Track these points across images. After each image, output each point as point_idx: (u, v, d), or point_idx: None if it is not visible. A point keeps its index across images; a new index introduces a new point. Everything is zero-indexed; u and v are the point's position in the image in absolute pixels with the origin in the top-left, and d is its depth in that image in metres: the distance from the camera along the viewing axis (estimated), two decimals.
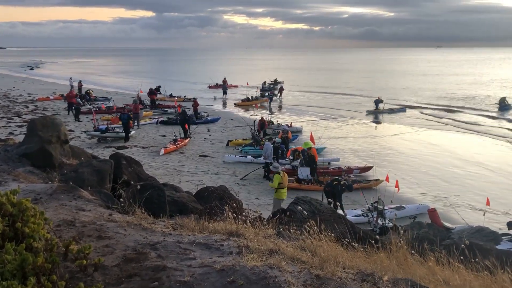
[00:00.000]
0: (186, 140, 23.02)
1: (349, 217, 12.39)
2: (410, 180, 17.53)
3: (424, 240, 6.01)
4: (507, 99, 37.25)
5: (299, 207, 6.90)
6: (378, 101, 35.70)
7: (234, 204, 5.95)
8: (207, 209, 6.01)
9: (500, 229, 12.15)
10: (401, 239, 4.68)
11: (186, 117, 25.35)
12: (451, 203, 14.83)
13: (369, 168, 17.43)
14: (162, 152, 20.50)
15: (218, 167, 18.04)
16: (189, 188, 13.30)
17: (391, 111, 35.69)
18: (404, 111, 36.68)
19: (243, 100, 39.27)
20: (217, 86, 53.15)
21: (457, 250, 4.88)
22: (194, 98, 34.62)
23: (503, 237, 10.64)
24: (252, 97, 39.53)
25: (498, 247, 9.32)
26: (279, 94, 43.86)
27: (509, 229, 11.19)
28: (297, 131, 26.49)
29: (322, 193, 13.54)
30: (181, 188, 8.70)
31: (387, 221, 11.67)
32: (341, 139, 25.88)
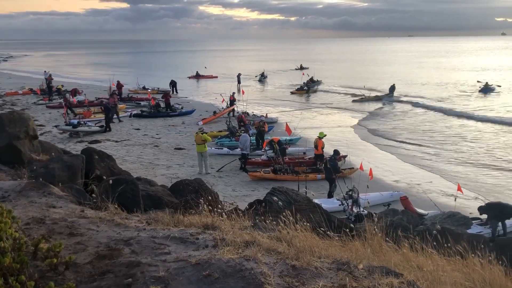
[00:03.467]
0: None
1: (324, 206, 12.54)
2: (384, 168, 17.82)
3: (398, 227, 6.11)
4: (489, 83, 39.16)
5: (275, 198, 6.90)
6: (392, 88, 37.27)
7: (210, 197, 5.91)
8: (182, 202, 5.95)
9: (470, 213, 12.51)
10: (375, 227, 4.74)
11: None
12: (424, 189, 15.15)
13: (343, 157, 17.60)
14: (200, 122, 22.89)
15: (194, 159, 17.91)
16: (165, 182, 13.20)
17: (377, 98, 36.70)
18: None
19: (297, 89, 42.64)
20: (197, 76, 54.22)
21: (430, 236, 4.98)
22: (167, 91, 34.30)
23: (473, 222, 10.96)
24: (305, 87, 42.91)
25: (469, 231, 9.58)
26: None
27: (480, 214, 11.50)
28: (272, 122, 26.52)
29: (297, 184, 13.61)
30: (155, 182, 8.60)
31: (361, 209, 11.83)
32: (316, 129, 26.07)
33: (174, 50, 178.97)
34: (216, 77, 57.48)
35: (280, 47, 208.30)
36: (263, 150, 19.14)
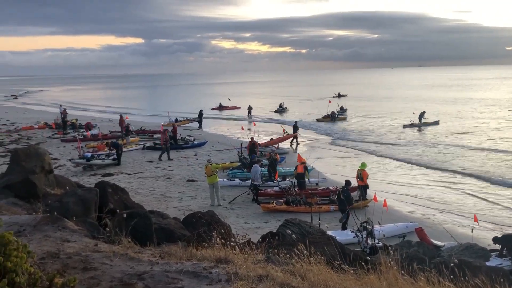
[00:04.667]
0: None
1: (338, 238, 12.36)
2: (399, 199, 17.59)
3: (414, 260, 6.00)
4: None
5: (288, 230, 6.84)
6: (421, 115, 38.60)
7: (222, 230, 5.89)
8: (194, 235, 5.93)
9: (488, 245, 12.21)
10: (390, 259, 4.67)
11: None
12: (439, 220, 14.89)
13: (356, 188, 17.45)
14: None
15: (206, 191, 17.89)
16: (177, 214, 13.16)
17: (426, 124, 38.15)
18: (438, 123, 38.91)
19: (324, 117, 44.53)
20: (221, 107, 56.25)
21: (446, 268, 4.87)
22: (173, 123, 34.87)
23: (492, 254, 10.68)
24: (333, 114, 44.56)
25: (487, 263, 9.33)
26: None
27: (494, 244, 11.20)
28: (284, 153, 26.56)
29: (311, 215, 13.48)
30: (168, 215, 8.60)
31: (376, 241, 11.64)
32: (328, 159, 26.02)
33: (190, 83, 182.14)
34: (239, 108, 58.69)
35: (292, 79, 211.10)
36: (275, 181, 19.10)
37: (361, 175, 16.88)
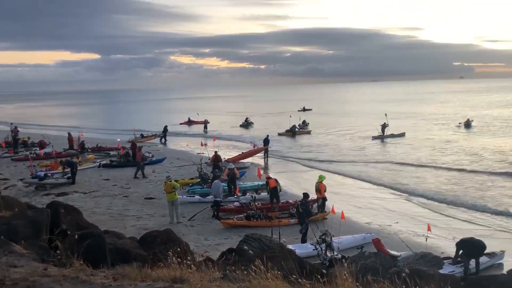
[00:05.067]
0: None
1: (298, 251, 12.43)
2: (356, 210, 17.94)
3: (370, 271, 6.11)
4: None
5: (245, 246, 6.81)
6: (384, 126, 40.18)
7: (179, 248, 5.78)
8: (150, 255, 5.79)
9: (442, 253, 12.63)
10: (345, 272, 4.73)
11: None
12: (395, 230, 15.27)
13: (315, 201, 17.64)
14: None
15: (165, 209, 17.58)
16: (134, 234, 12.86)
17: (393, 136, 39.95)
18: (404, 136, 40.67)
19: (286, 130, 44.97)
20: (190, 122, 56.13)
21: (399, 279, 4.99)
22: (133, 140, 34.23)
23: (445, 261, 11.04)
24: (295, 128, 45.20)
25: (441, 271, 9.63)
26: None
27: (458, 250, 11.44)
28: (244, 168, 26.57)
29: (271, 229, 13.50)
30: (124, 235, 8.38)
31: (335, 253, 11.78)
32: (287, 173, 26.24)
33: (149, 99, 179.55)
34: (209, 122, 58.76)
35: (253, 94, 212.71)
36: (235, 196, 19.04)
37: (319, 188, 17.12)
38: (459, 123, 48.13)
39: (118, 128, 53.66)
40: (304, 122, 50.96)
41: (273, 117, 69.41)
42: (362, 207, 18.65)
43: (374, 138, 39.94)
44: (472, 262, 11.33)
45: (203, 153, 29.75)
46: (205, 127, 50.46)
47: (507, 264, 11.93)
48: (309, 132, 46.66)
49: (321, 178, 17.44)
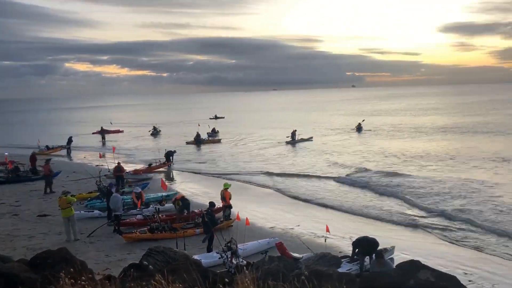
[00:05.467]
0: None
1: (204, 261, 12.34)
2: (260, 216, 18.31)
3: (273, 275, 6.26)
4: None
5: (145, 262, 6.60)
6: (293, 134, 42.43)
7: (72, 268, 5.42)
8: (38, 279, 5.35)
9: (340, 252, 13.36)
10: (247, 278, 4.79)
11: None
12: (297, 233, 15.86)
13: (220, 209, 17.69)
14: None
15: (61, 226, 16.42)
16: (26, 255, 11.82)
17: (302, 140, 42.69)
18: (312, 140, 43.57)
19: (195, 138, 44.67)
20: (102, 131, 55.57)
21: (298, 281, 5.17)
22: (33, 152, 31.63)
23: (343, 260, 11.68)
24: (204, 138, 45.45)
25: (339, 270, 10.17)
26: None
27: (354, 248, 12.17)
28: (147, 179, 25.89)
29: (176, 241, 13.25)
30: (11, 258, 7.65)
31: (241, 260, 11.89)
32: (192, 183, 26.04)
33: (44, 109, 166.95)
34: (122, 131, 57.04)
35: (156, 102, 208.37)
36: (138, 209, 18.41)
37: (224, 196, 17.22)
38: (352, 129, 52.25)
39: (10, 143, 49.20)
40: (214, 130, 51.19)
41: (181, 125, 68.67)
42: (266, 212, 19.09)
43: (287, 143, 41.82)
44: (367, 259, 12.12)
45: (102, 165, 28.38)
46: (103, 138, 48.51)
47: (397, 258, 12.95)
48: (219, 141, 46.62)
49: (226, 185, 17.54)
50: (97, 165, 30.15)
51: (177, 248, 11.94)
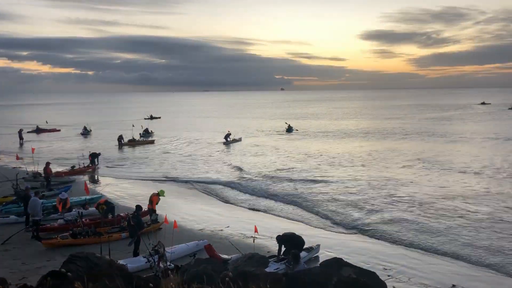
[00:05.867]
0: None
1: (130, 266, 11.99)
2: (189, 218, 18.14)
3: (197, 278, 6.23)
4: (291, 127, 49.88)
5: (63, 270, 6.29)
6: (227, 136, 43.06)
7: None
8: None
9: (268, 252, 13.59)
10: (172, 282, 4.74)
11: None
12: (226, 234, 15.91)
13: (147, 213, 17.29)
14: None
15: None
16: None
17: (235, 141, 43.54)
18: (241, 140, 44.55)
19: (129, 140, 43.18)
20: (38, 131, 54.46)
21: (223, 283, 5.20)
22: None
23: (270, 260, 11.89)
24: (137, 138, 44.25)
25: (267, 269, 10.35)
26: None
27: (280, 246, 12.43)
28: (70, 182, 24.68)
29: (100, 246, 12.74)
30: None
31: (168, 263, 11.71)
32: (118, 186, 25.19)
33: None
34: (59, 130, 56.31)
35: (81, 101, 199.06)
36: (59, 213, 17.48)
37: (151, 199, 16.90)
38: (283, 130, 53.79)
39: None
40: (147, 130, 49.92)
41: (113, 126, 66.04)
42: (196, 214, 18.94)
43: (225, 143, 42.32)
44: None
45: (20, 167, 26.64)
46: (21, 138, 45.56)
47: (322, 256, 13.43)
48: (152, 142, 45.32)
49: (161, 193, 17.14)
50: (14, 167, 28.23)
51: (101, 254, 11.48)
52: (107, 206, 16.84)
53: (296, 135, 50.16)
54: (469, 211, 18.33)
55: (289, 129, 53.47)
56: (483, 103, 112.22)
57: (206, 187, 24.45)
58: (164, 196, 17.16)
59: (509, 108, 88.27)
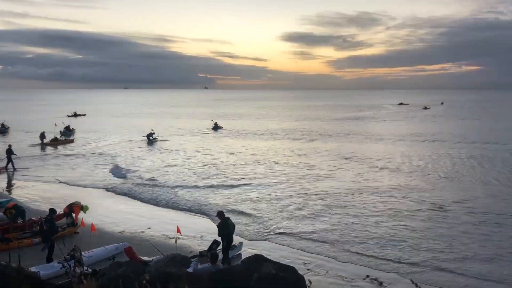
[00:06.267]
0: None
1: (43, 272, 11.33)
2: (108, 221, 17.49)
3: (114, 281, 6.05)
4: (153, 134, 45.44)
5: None
6: (150, 135, 42.17)
7: None
8: None
9: (191, 252, 13.50)
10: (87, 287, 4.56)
11: None
12: (147, 236, 15.56)
13: (63, 216, 16.39)
14: None
15: None
16: None
17: (156, 140, 42.72)
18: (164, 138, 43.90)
19: (51, 140, 40.69)
20: None
21: (141, 286, 5.10)
22: None
23: (192, 260, 11.83)
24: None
25: (188, 270, 10.28)
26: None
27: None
28: None
29: (9, 253, 11.87)
30: None
31: (85, 268, 11.21)
32: (32, 188, 23.63)
33: None
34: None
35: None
36: None
37: (72, 208, 16.08)
38: (207, 128, 54.19)
39: None
40: (68, 128, 47.34)
41: (33, 124, 61.63)
42: (115, 216, 18.29)
43: (147, 142, 41.68)
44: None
45: None
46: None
47: (244, 254, 13.61)
48: (72, 141, 42.98)
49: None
50: None
51: (10, 261, 10.70)
52: (16, 210, 15.73)
53: (221, 133, 50.40)
54: (375, 205, 19.52)
55: (216, 127, 54.24)
56: (401, 104, 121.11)
57: (126, 188, 23.67)
58: (85, 213, 16.17)
59: (423, 108, 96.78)
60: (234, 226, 12.95)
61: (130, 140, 43.74)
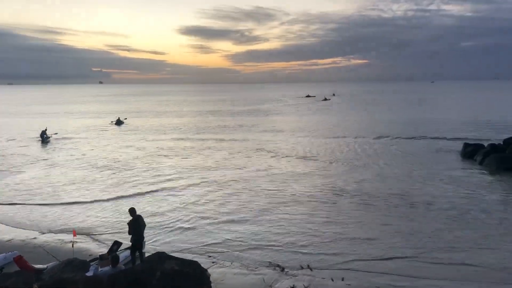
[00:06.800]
0: None
1: None
2: None
3: None
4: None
5: None
6: (43, 133, 40.09)
7: None
8: None
9: (90, 255, 12.91)
10: None
11: None
12: (40, 242, 14.56)
13: None
14: None
15: None
16: None
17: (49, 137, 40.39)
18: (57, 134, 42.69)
19: None
20: None
21: None
22: None
23: (91, 263, 11.35)
24: None
25: (87, 274, 9.85)
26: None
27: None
28: None
29: None
30: None
31: None
32: None
33: None
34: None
35: None
36: None
37: None
38: (111, 122, 54.28)
39: None
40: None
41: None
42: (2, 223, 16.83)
43: (42, 141, 39.46)
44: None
45: None
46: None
47: (150, 251, 13.35)
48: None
49: None
50: None
51: None
52: None
53: (125, 129, 48.61)
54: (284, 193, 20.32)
55: (118, 122, 54.34)
56: (308, 96, 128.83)
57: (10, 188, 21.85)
58: None
59: (322, 100, 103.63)
60: (145, 225, 12.57)
61: (20, 140, 40.25)
